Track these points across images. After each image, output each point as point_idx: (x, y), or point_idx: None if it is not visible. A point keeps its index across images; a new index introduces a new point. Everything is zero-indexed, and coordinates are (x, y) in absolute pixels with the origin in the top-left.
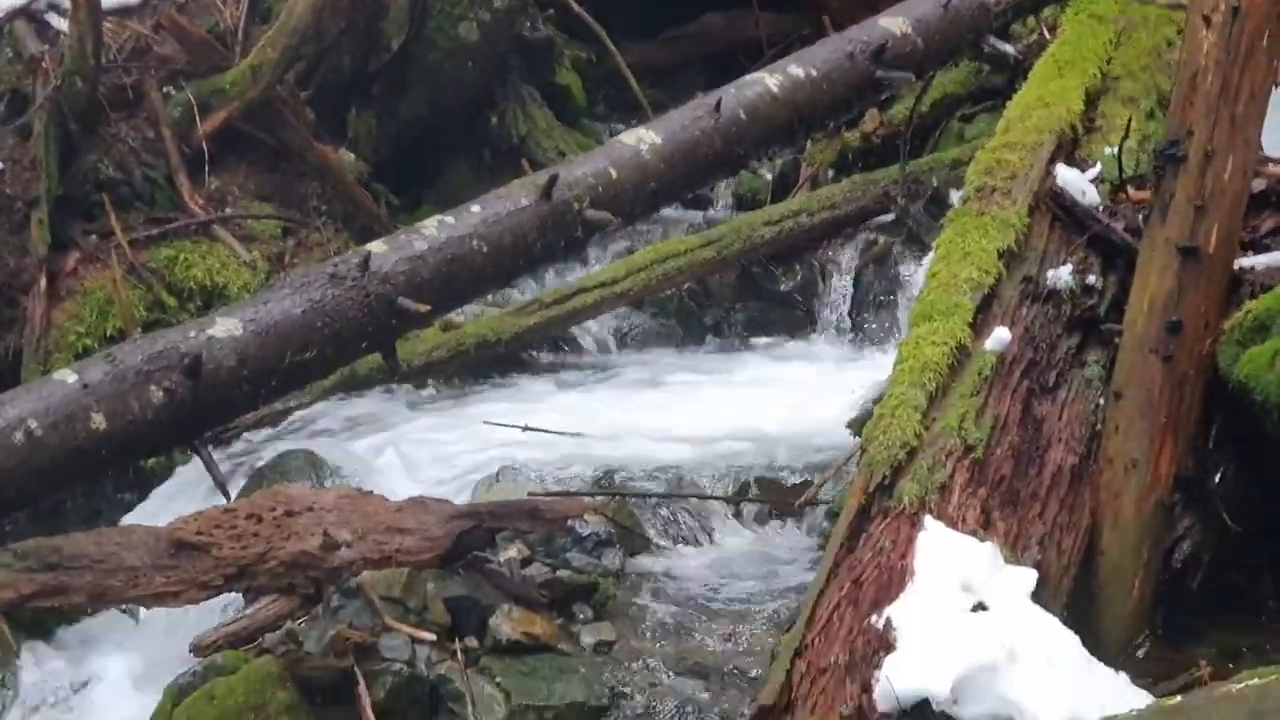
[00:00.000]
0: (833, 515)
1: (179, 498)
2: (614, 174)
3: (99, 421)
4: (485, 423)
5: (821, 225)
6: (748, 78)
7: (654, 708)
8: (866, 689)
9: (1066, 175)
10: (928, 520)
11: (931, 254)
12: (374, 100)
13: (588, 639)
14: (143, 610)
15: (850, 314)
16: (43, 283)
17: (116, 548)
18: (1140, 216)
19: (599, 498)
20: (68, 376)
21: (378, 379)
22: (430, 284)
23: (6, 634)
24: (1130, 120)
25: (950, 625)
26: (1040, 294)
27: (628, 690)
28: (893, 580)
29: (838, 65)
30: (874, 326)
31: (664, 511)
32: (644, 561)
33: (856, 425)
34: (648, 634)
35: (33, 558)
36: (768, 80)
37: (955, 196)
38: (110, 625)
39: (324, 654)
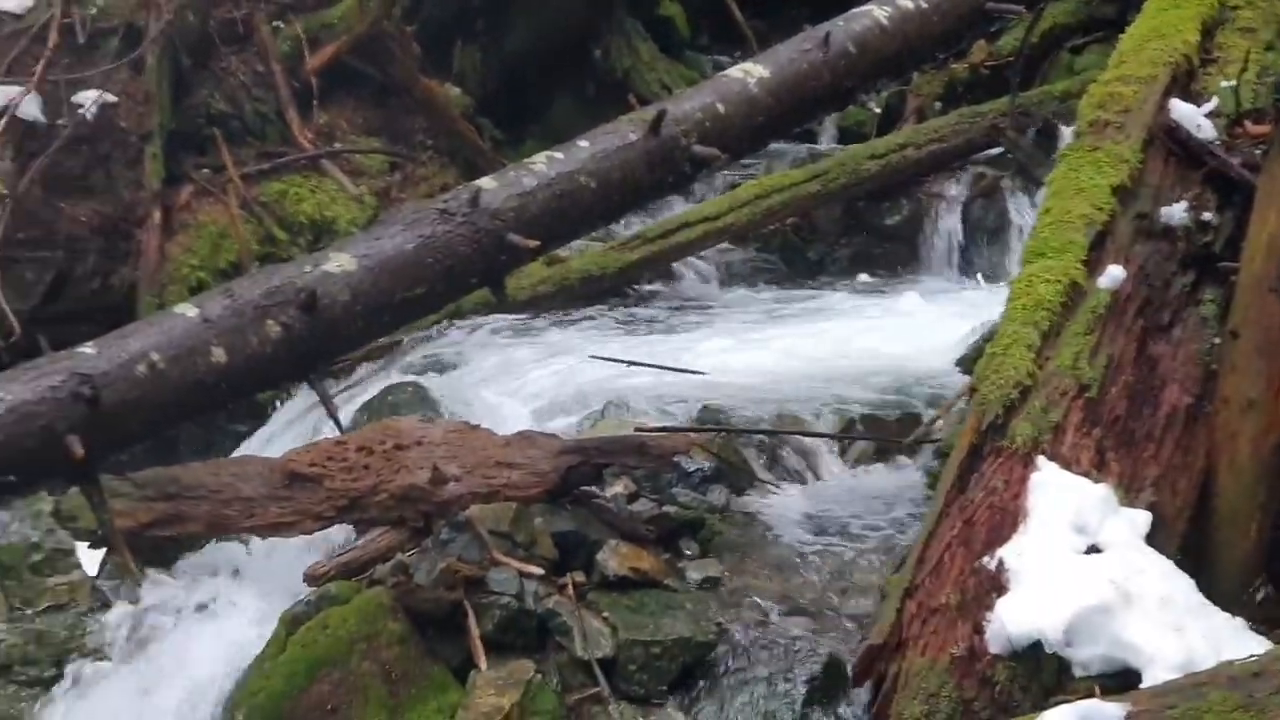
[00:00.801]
0: (942, 455)
1: (288, 431)
2: (721, 109)
3: (219, 355)
4: (591, 357)
5: (928, 159)
6: (856, 10)
7: (760, 645)
8: (978, 630)
9: (1182, 109)
10: (1041, 460)
11: (1043, 190)
12: (479, 34)
13: (694, 575)
14: (256, 540)
15: (958, 249)
16: (157, 216)
17: (232, 478)
18: (1258, 152)
19: (705, 434)
20: (188, 310)
21: (484, 314)
22: (539, 220)
23: (129, 560)
24: (1249, 51)
25: (1063, 567)
26: (1155, 231)
27: (735, 627)
28: (1005, 521)
29: None
30: (982, 262)
31: (770, 448)
32: (750, 498)
33: (966, 363)
34: (753, 571)
35: (151, 487)
36: (876, 12)
37: (1065, 130)
38: (226, 555)
39: (434, 586)
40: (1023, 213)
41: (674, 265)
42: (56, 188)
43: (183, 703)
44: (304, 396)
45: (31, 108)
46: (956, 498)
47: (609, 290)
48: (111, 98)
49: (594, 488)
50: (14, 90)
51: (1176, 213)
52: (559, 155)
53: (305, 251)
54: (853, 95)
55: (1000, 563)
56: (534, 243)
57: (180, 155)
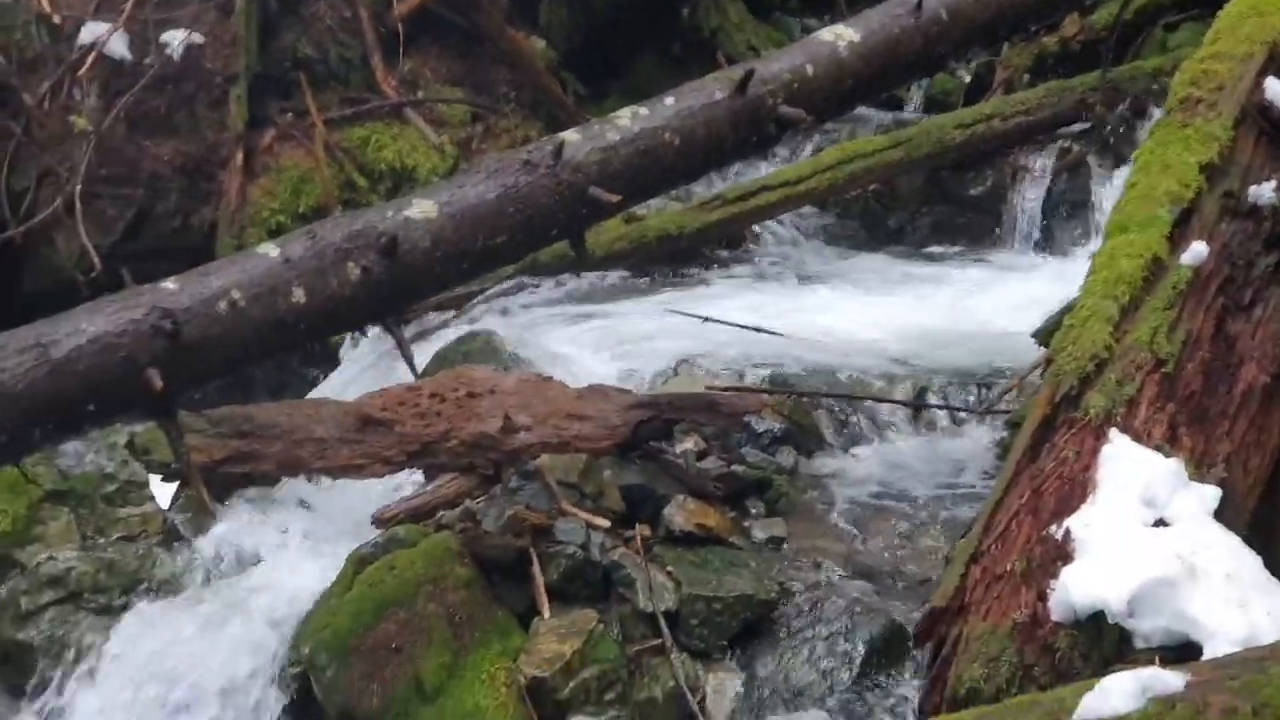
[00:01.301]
0: (1013, 425)
1: (361, 376)
2: (810, 70)
3: (299, 295)
4: (669, 311)
5: (1014, 130)
6: None
7: (822, 605)
8: (1042, 597)
9: (1277, 88)
10: (1113, 433)
11: (1130, 164)
12: None
13: (759, 534)
14: (326, 480)
15: (1040, 222)
16: (239, 158)
17: (306, 419)
18: None
19: (776, 395)
20: (270, 250)
21: (559, 267)
22: (621, 175)
23: (204, 494)
24: None
25: (1130, 539)
26: (1241, 210)
27: (797, 587)
28: (1074, 491)
29: None
30: (1063, 236)
31: (840, 412)
32: (818, 461)
33: (1042, 335)
34: (819, 532)
35: (226, 424)
36: None
37: (1155, 109)
38: (296, 494)
39: (501, 533)
40: (1106, 189)
41: (753, 228)
42: (141, 126)
43: (251, 635)
44: (376, 343)
45: (119, 46)
46: (1027, 467)
47: (686, 250)
48: (199, 38)
49: (663, 443)
50: (102, 28)
51: (1265, 192)
52: (644, 111)
53: (384, 198)
54: (943, 63)
55: (1067, 532)
56: (616, 197)
57: (264, 98)
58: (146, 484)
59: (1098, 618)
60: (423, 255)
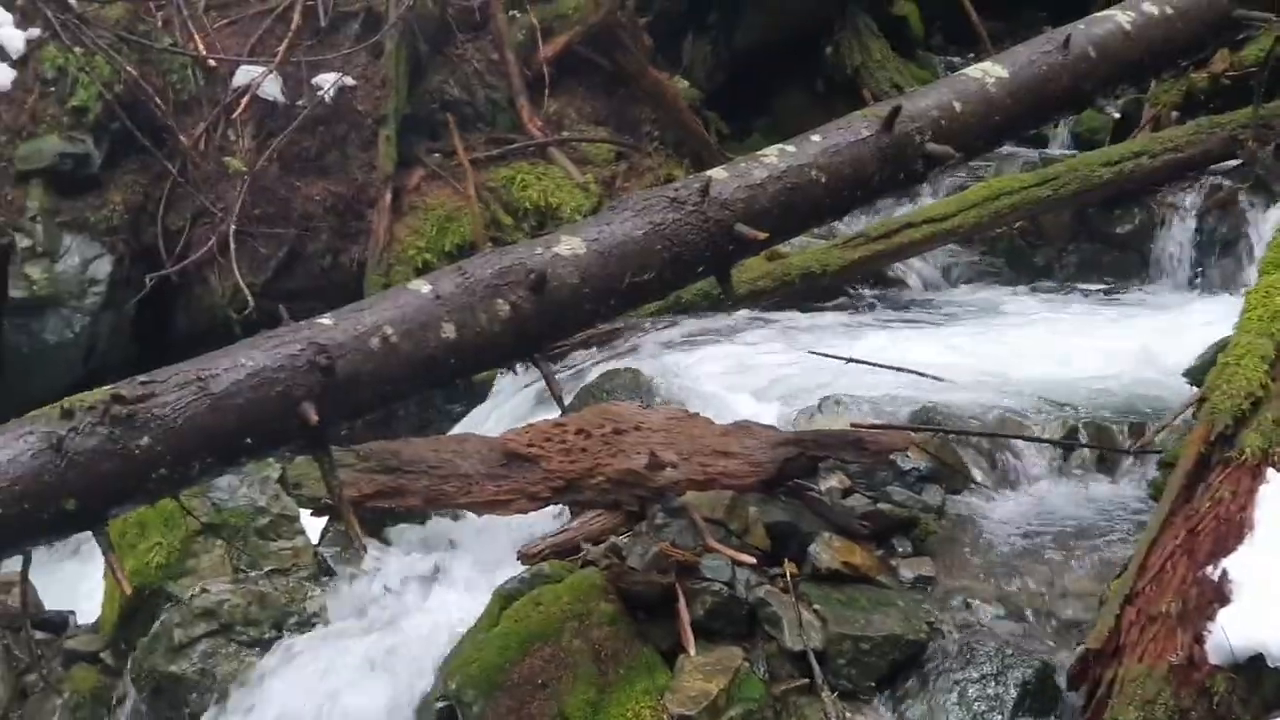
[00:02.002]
0: (1165, 465)
1: (504, 413)
2: (957, 107)
3: (449, 331)
4: (810, 352)
5: (1163, 168)
6: (1099, 14)
7: (972, 646)
8: (1198, 640)
9: None
10: (1270, 473)
11: None
12: (710, 28)
13: (906, 573)
14: (472, 516)
15: (1190, 261)
16: (388, 198)
17: (452, 455)
18: None
19: (922, 433)
20: (422, 287)
21: (702, 305)
22: (768, 212)
23: (356, 528)
24: None
25: None
26: None
27: (946, 627)
28: (1231, 532)
29: (1194, 3)
30: (1214, 275)
31: (988, 452)
32: (965, 500)
33: (1194, 375)
34: (968, 572)
35: (374, 460)
36: (1120, 17)
37: None
38: (443, 530)
39: (647, 569)
40: (1259, 227)
41: (896, 265)
42: (292, 167)
43: (399, 669)
44: (519, 379)
45: (272, 88)
46: (1181, 507)
47: (829, 289)
48: (350, 80)
49: (808, 481)
50: (257, 70)
51: None
52: (790, 149)
53: (529, 236)
54: (1091, 99)
55: (1224, 573)
56: (763, 235)
57: (412, 139)
58: (297, 518)
59: (1257, 661)
60: (570, 292)
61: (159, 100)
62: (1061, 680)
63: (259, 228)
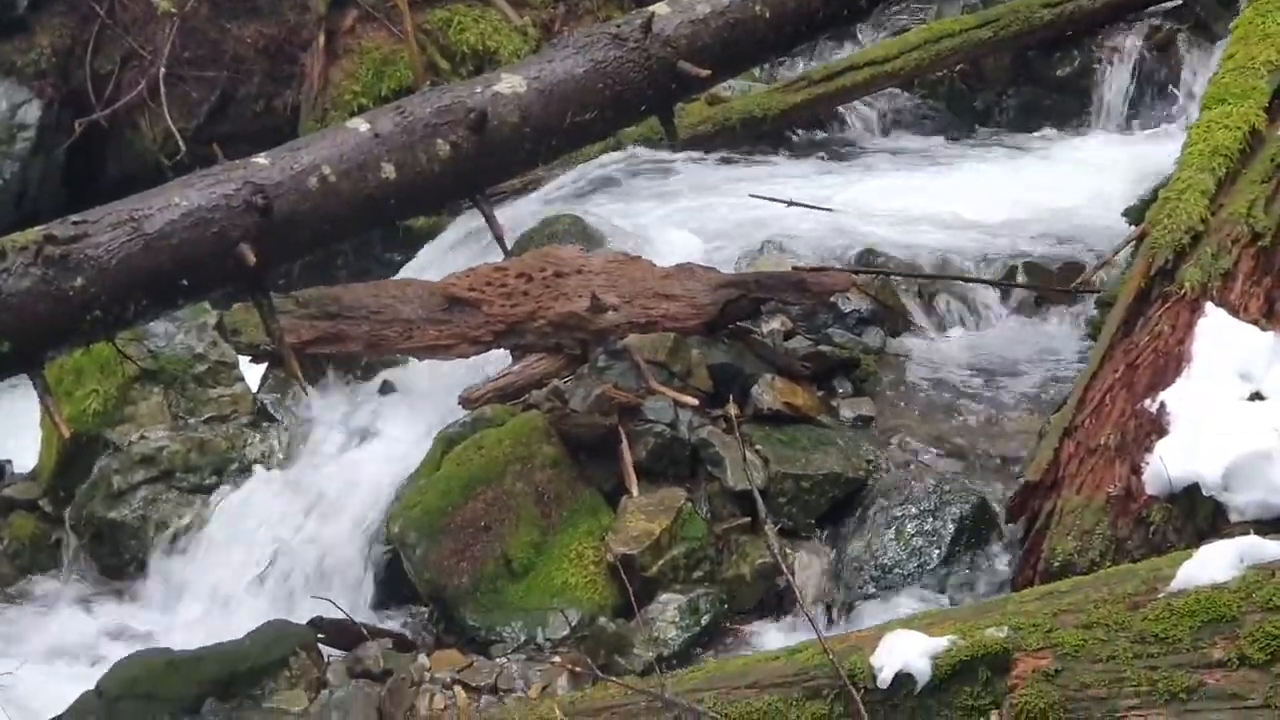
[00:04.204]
0: (1104, 305)
1: (444, 259)
2: None
3: (389, 171)
4: (751, 195)
5: (1103, 9)
6: None
7: (911, 484)
8: (1136, 471)
9: None
10: (1209, 307)
11: (1227, 37)
12: None
13: (847, 413)
14: (414, 361)
15: (1128, 103)
16: (321, 40)
17: (393, 300)
18: None
19: (863, 274)
20: (360, 126)
21: (643, 148)
22: (711, 49)
23: (298, 373)
24: None
25: (1225, 412)
26: None
27: (885, 465)
28: (1169, 365)
29: None
30: (1153, 116)
31: (927, 293)
32: (906, 342)
33: (1134, 214)
34: (906, 412)
35: (314, 306)
36: None
37: None
38: (384, 375)
39: (589, 411)
40: (1197, 69)
41: (838, 109)
42: (223, 8)
43: (341, 513)
44: (458, 226)
45: None
46: (1121, 341)
47: (770, 133)
48: None
49: (751, 323)
50: None
51: None
52: None
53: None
54: None
55: (1162, 406)
56: (705, 72)
57: None
58: (236, 365)
59: (1192, 491)
60: (511, 131)
61: None
62: (1000, 514)
63: (189, 71)
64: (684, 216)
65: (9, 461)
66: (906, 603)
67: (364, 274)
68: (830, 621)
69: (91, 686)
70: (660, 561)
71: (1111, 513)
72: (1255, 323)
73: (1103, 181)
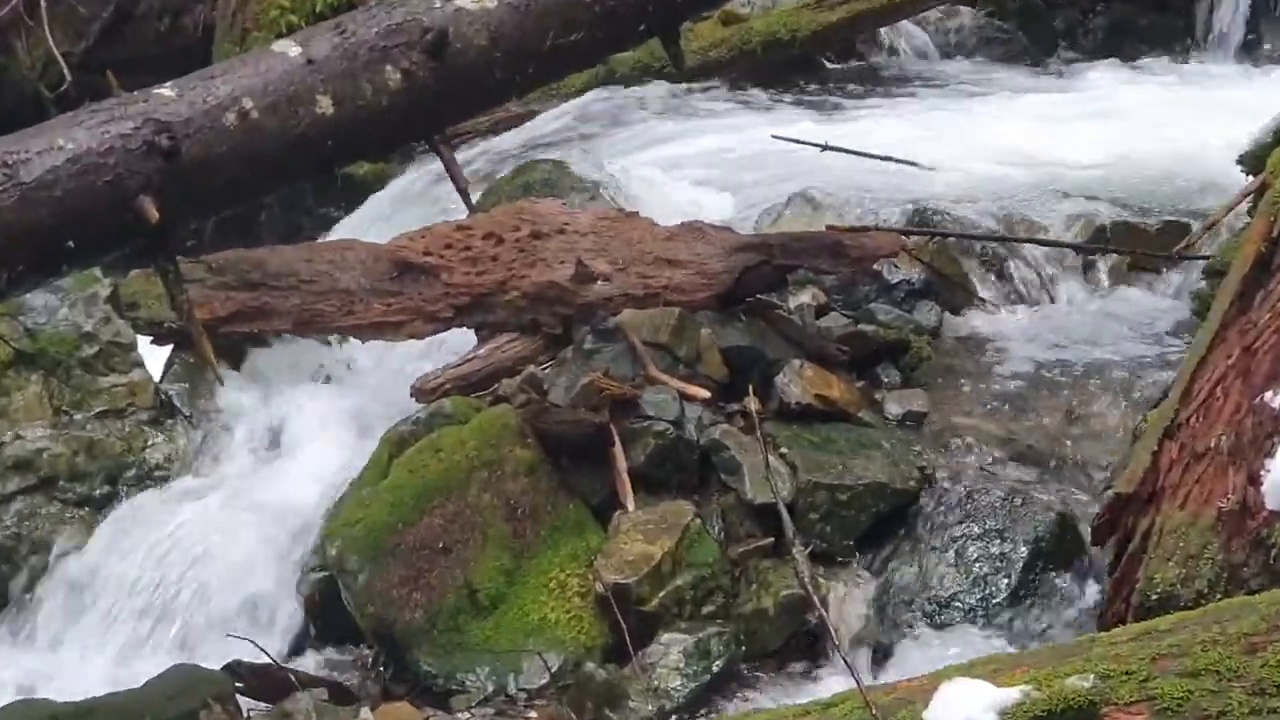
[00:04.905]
0: (1213, 274)
1: (395, 216)
2: None
3: (325, 105)
4: (774, 137)
5: None
6: None
7: (974, 496)
8: (1254, 480)
9: None
10: None
11: None
12: None
13: (894, 408)
14: (357, 343)
15: (1246, 26)
16: None
17: (329, 266)
18: None
19: (915, 236)
20: (289, 49)
21: (639, 78)
22: None
23: (211, 356)
24: None
25: None
26: None
27: (941, 474)
28: None
29: None
30: (1273, 44)
31: (995, 259)
32: (967, 319)
33: (1251, 162)
34: (968, 407)
35: (231, 273)
36: None
37: None
38: (319, 359)
39: (573, 406)
40: None
41: (883, 31)
42: None
43: (265, 532)
44: (411, 173)
45: None
46: (1235, 319)
47: (799, 60)
48: None
49: (774, 296)
50: None
51: None
52: None
53: None
54: None
55: None
56: None
57: None
58: (134, 347)
59: None
60: (478, 55)
61: None
62: (1084, 534)
63: None
64: (692, 164)
65: None
66: (967, 644)
67: (294, 234)
68: (873, 667)
69: None
70: (662, 593)
71: (1223, 532)
72: None
73: (1212, 122)
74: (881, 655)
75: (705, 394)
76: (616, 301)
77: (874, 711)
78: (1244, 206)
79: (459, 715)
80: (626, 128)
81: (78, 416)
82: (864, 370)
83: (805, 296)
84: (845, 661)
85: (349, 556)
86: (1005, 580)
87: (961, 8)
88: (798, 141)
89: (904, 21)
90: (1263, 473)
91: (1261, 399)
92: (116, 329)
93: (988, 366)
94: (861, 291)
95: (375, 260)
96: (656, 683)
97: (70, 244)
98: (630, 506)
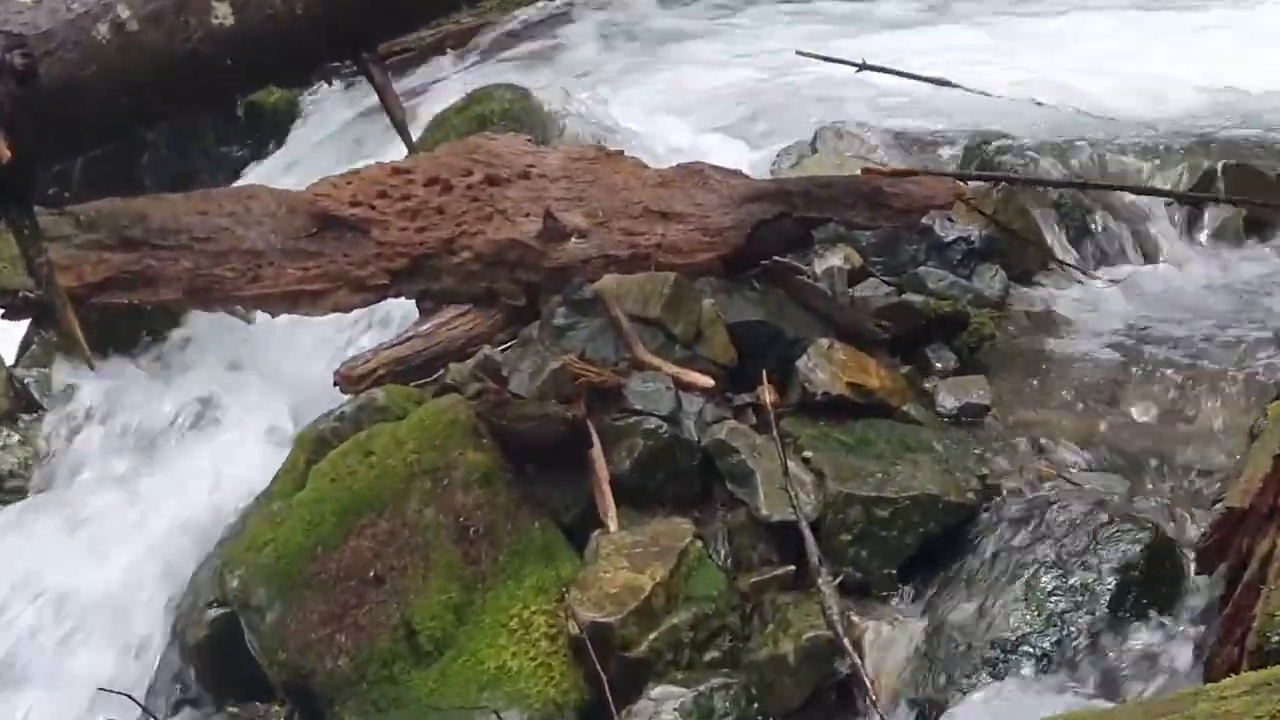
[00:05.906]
0: None
1: (315, 158)
2: None
3: (224, 14)
4: (799, 54)
5: None
6: None
7: (1048, 513)
8: None
9: None
10: None
11: None
12: None
13: (948, 400)
14: (263, 317)
15: None
16: None
17: (230, 220)
18: None
19: (975, 181)
20: None
21: None
22: None
23: (79, 334)
24: None
25: None
26: None
27: (1007, 484)
28: None
29: None
30: None
31: (1076, 211)
32: (1040, 289)
33: None
34: (1041, 399)
35: (106, 228)
36: None
37: None
38: (217, 337)
39: (540, 397)
40: None
41: None
42: None
43: (143, 557)
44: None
45: None
46: None
47: None
48: None
49: (795, 258)
50: None
51: None
52: None
53: None
54: None
55: None
56: None
57: None
58: None
59: None
60: None
61: None
62: (1187, 560)
63: None
64: (692, 89)
65: None
66: (1039, 698)
67: (187, 180)
68: None
69: None
70: (652, 635)
71: None
72: None
73: None
74: (931, 714)
75: (708, 382)
76: (595, 264)
77: None
78: None
79: None
80: (609, 44)
81: None
82: (910, 352)
83: (835, 258)
84: None
85: (254, 589)
86: (1088, 617)
87: None
88: (828, 59)
89: None
90: None
91: None
92: None
93: (1065, 347)
94: (907, 252)
95: (289, 213)
96: None
97: None
98: (612, 525)
